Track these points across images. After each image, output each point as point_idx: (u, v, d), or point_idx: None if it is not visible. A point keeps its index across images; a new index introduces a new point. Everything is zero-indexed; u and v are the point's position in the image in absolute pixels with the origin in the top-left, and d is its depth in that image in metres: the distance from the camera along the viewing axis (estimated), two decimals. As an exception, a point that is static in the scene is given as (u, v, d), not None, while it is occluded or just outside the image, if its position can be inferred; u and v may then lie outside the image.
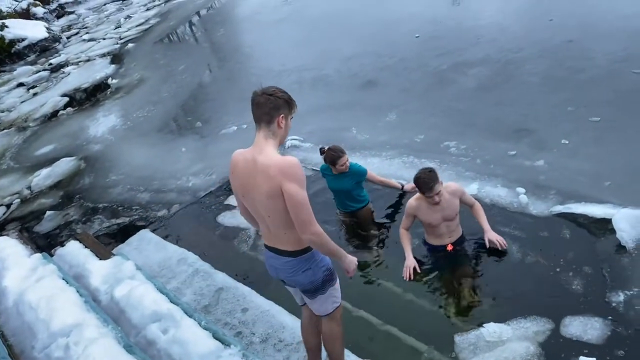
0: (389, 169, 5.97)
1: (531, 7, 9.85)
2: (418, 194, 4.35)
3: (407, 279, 4.31)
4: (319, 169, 6.33)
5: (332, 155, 4.93)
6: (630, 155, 5.10)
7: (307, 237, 2.63)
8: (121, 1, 27.87)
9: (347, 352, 3.59)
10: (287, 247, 2.83)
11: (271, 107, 2.67)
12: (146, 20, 20.45)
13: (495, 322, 3.75)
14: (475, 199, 4.83)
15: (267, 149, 2.65)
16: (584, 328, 3.55)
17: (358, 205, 5.31)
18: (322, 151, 5.04)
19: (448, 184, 4.44)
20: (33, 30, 21.30)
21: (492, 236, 4.29)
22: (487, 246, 4.31)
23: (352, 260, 2.91)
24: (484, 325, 3.75)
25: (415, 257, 4.44)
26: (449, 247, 4.47)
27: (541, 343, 3.54)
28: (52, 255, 5.39)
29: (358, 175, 5.12)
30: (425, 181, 4.11)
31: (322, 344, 3.42)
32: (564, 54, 7.57)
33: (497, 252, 4.34)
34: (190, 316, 3.88)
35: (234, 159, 2.84)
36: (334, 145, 5.03)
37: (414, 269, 4.34)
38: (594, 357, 3.28)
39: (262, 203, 2.72)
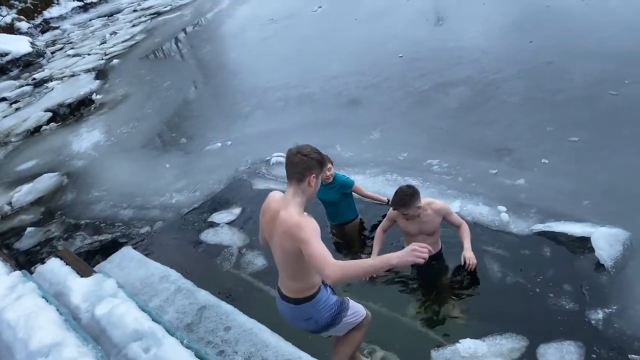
0: (373, 186, 6.00)
1: (512, 29, 10.06)
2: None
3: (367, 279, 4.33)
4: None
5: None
6: (608, 174, 5.23)
7: (331, 274, 2.56)
8: (107, 17, 27.85)
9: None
10: (290, 294, 3.04)
11: (304, 167, 2.80)
12: (132, 37, 20.44)
13: (471, 338, 3.81)
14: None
15: (292, 207, 2.80)
16: (561, 348, 3.59)
17: (346, 218, 5.34)
18: None
19: (434, 201, 4.45)
20: (17, 45, 21.15)
21: (468, 255, 4.26)
22: (462, 262, 4.32)
23: (405, 253, 2.61)
24: (460, 341, 3.79)
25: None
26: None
27: (515, 359, 3.59)
28: (32, 273, 5.30)
29: (344, 186, 5.15)
30: (398, 199, 4.14)
31: (335, 344, 3.47)
32: (543, 75, 7.74)
33: (474, 272, 4.37)
34: (172, 335, 3.84)
35: (267, 201, 3.06)
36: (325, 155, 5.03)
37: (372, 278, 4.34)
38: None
39: (278, 251, 2.97)
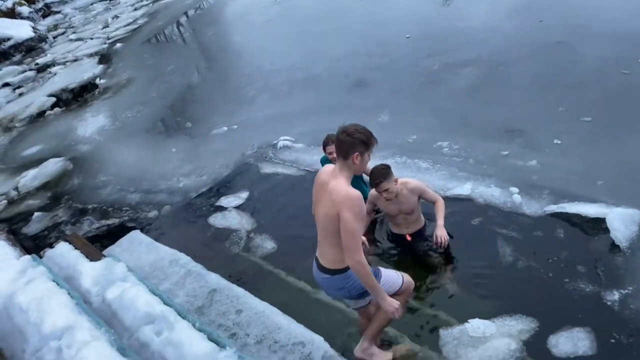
0: (381, 169, 5.96)
1: (521, 8, 9.90)
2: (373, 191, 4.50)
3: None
4: (311, 170, 6.32)
5: (325, 139, 4.89)
6: (622, 154, 5.14)
7: (351, 262, 2.94)
8: (108, 1, 27.64)
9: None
10: (326, 265, 3.18)
11: (348, 146, 2.93)
12: (134, 20, 20.29)
13: (480, 318, 3.78)
14: (469, 199, 4.92)
15: (340, 178, 2.97)
16: (572, 333, 3.55)
17: None
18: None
19: (408, 180, 4.51)
20: (19, 30, 21.03)
21: (439, 232, 4.28)
22: (433, 242, 4.33)
23: (391, 303, 3.07)
24: (469, 321, 3.78)
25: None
26: (408, 237, 4.62)
27: (524, 341, 3.57)
28: (41, 257, 5.29)
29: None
30: (375, 176, 4.27)
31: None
32: (554, 55, 7.62)
33: (447, 250, 4.43)
34: (184, 318, 3.83)
35: (319, 173, 3.25)
36: (331, 133, 4.98)
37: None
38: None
39: (321, 218, 3.11)
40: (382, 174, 4.24)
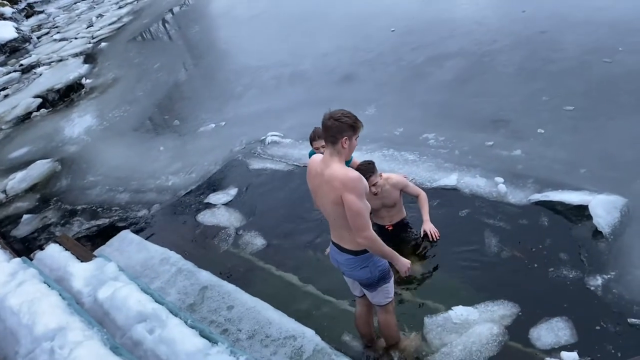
0: (369, 162, 6.01)
1: (504, -1, 9.99)
2: None
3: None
4: (299, 164, 6.36)
5: (312, 134, 4.87)
6: (604, 142, 5.23)
7: (361, 240, 3.02)
8: (92, 0, 27.39)
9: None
10: (348, 246, 3.21)
11: (336, 131, 2.96)
12: (119, 19, 20.14)
13: (463, 305, 3.89)
14: (455, 190, 5.03)
15: (333, 164, 3.01)
16: (552, 323, 3.63)
17: None
18: None
19: (390, 175, 4.63)
20: (2, 31, 20.79)
21: (427, 227, 4.44)
22: (421, 236, 4.47)
23: (404, 262, 3.22)
24: (452, 308, 3.88)
25: None
26: (389, 227, 4.72)
27: (507, 326, 3.67)
28: (31, 259, 5.29)
29: None
30: (363, 171, 4.25)
31: (379, 331, 3.79)
32: (537, 45, 7.70)
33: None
34: (176, 315, 3.86)
35: (309, 166, 3.27)
36: (317, 127, 5.00)
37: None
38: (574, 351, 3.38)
39: (328, 207, 3.13)
40: (369, 168, 4.34)
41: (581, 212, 4.43)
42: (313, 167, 3.21)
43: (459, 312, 3.84)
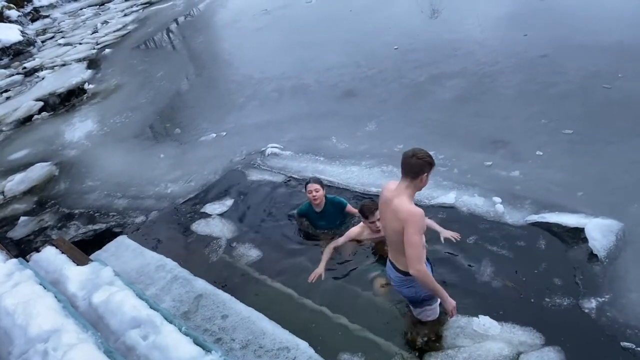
0: (368, 177, 6.06)
1: (506, 22, 10.11)
2: (362, 222, 4.93)
3: (310, 281, 4.68)
4: (297, 177, 6.39)
5: (365, 208, 4.88)
6: (601, 166, 5.29)
7: (413, 271, 3.37)
8: (98, 6, 27.55)
9: None
10: (400, 267, 3.60)
11: (418, 168, 3.33)
12: (124, 26, 20.26)
13: (491, 316, 3.90)
14: (452, 208, 5.16)
15: (403, 196, 3.36)
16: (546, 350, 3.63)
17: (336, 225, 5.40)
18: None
19: None
20: (7, 33, 20.86)
21: (446, 234, 4.69)
22: (442, 243, 4.68)
23: (451, 302, 3.54)
24: (479, 316, 3.90)
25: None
26: None
27: (519, 352, 3.63)
28: (27, 261, 5.28)
29: (339, 208, 5.26)
30: (369, 207, 4.75)
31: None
32: (537, 68, 7.79)
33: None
34: (170, 322, 3.85)
35: (382, 190, 3.65)
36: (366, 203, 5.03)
37: (320, 276, 4.73)
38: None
39: (390, 232, 3.55)
40: (375, 205, 4.62)
41: (577, 234, 4.47)
42: (385, 193, 3.56)
43: (483, 321, 3.88)
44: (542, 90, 7.11)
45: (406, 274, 3.53)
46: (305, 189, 5.22)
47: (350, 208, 5.33)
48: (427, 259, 3.63)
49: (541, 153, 5.74)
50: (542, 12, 10.13)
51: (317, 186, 5.14)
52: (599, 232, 4.34)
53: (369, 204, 4.79)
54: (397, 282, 3.72)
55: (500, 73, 7.96)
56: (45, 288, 4.34)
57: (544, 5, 10.51)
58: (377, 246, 4.94)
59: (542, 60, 8.02)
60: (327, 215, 5.27)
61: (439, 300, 3.71)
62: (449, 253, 4.65)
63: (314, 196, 5.11)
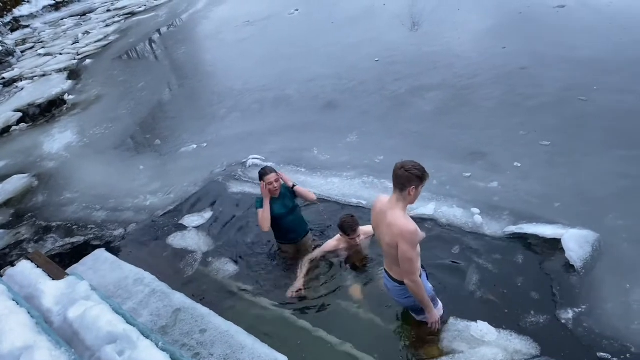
0: (349, 188, 6.06)
1: (486, 35, 10.25)
2: (338, 236, 4.94)
3: (290, 296, 4.71)
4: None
5: (261, 170, 4.90)
6: (578, 177, 5.36)
7: (408, 282, 3.49)
8: (79, 16, 27.38)
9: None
10: (395, 276, 3.67)
11: (406, 180, 3.32)
12: (105, 37, 20.14)
13: (489, 323, 3.92)
14: (432, 219, 5.21)
15: (396, 209, 3.39)
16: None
17: (306, 229, 5.26)
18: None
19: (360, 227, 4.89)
20: (-15, 43, 20.64)
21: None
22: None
23: (435, 316, 3.71)
24: (477, 321, 3.92)
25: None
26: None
27: None
28: (1, 276, 5.17)
29: (288, 190, 5.05)
30: (350, 224, 4.76)
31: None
32: (516, 81, 7.90)
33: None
34: (147, 337, 3.79)
35: (374, 203, 3.70)
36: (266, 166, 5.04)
37: (299, 291, 4.74)
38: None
39: (384, 245, 3.58)
40: (355, 222, 4.76)
41: (554, 245, 4.51)
42: (378, 205, 3.60)
43: (480, 327, 3.90)
44: (520, 103, 7.21)
45: (402, 282, 3.59)
46: (263, 181, 4.86)
47: (298, 188, 5.08)
48: (422, 267, 3.68)
49: (519, 164, 5.81)
50: (520, 26, 10.31)
51: (276, 175, 4.86)
52: (576, 243, 4.39)
53: (349, 221, 4.77)
54: (395, 292, 3.77)
55: (480, 85, 8.05)
56: (18, 304, 4.24)
57: (522, 18, 10.69)
58: (351, 256, 4.95)
59: (520, 72, 8.14)
60: (284, 199, 4.99)
61: (439, 302, 3.84)
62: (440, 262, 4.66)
63: (274, 187, 4.84)
